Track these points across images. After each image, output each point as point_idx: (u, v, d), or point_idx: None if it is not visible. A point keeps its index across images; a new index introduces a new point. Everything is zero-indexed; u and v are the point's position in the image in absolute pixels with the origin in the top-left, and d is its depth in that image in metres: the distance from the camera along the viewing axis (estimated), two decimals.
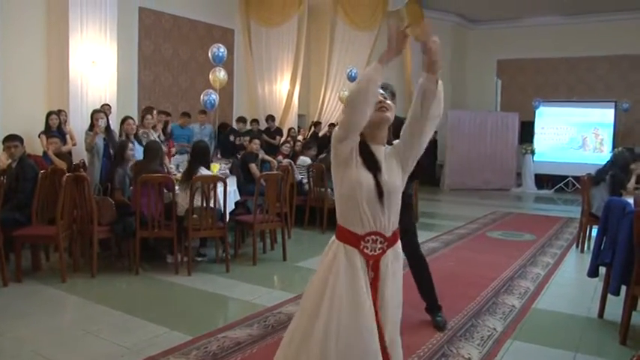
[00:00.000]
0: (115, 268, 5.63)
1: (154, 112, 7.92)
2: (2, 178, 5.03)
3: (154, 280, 5.28)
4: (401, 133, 2.17)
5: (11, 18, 7.97)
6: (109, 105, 8.20)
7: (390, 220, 2.16)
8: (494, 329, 4.05)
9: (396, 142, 2.22)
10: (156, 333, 3.91)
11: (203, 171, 5.65)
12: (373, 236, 2.13)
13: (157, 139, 7.09)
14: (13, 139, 5.45)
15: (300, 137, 10.88)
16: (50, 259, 5.81)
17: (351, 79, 12.39)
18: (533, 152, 14.56)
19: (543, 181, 14.84)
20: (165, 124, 8.65)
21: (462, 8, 15.43)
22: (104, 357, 3.50)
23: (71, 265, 5.45)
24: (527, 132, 15.02)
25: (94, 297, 4.69)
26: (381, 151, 2.17)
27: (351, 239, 2.14)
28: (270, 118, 11.46)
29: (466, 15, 16.12)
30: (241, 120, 10.71)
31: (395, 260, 2.22)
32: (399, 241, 2.25)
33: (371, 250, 2.13)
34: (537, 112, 14.77)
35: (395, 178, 2.15)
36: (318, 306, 2.14)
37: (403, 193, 2.24)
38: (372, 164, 2.12)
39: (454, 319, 4.20)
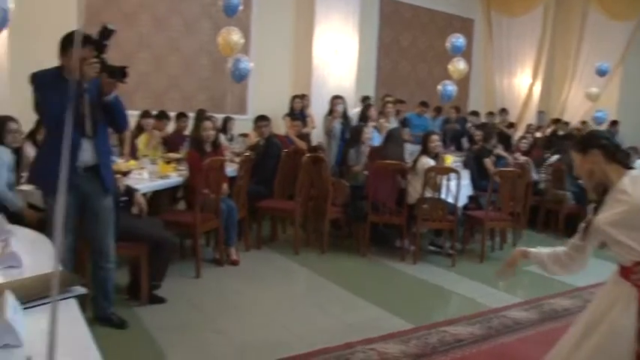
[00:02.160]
0: (344, 247, 5.82)
1: (391, 99, 8.02)
2: (252, 154, 5.54)
3: (379, 264, 5.34)
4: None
5: (265, 10, 8.74)
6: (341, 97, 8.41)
7: None
8: None
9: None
10: (377, 315, 3.95)
11: (423, 159, 5.52)
12: None
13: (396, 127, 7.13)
14: (263, 119, 5.98)
15: (538, 134, 10.11)
16: (286, 232, 6.24)
17: (601, 74, 11.14)
18: None
19: None
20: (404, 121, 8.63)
21: None
22: (326, 330, 3.63)
23: (304, 239, 5.78)
24: None
25: (323, 272, 4.91)
26: (612, 192, 2.06)
27: (622, 271, 2.02)
28: (504, 111, 10.97)
29: None
30: (474, 113, 10.37)
31: None
32: None
33: None
34: None
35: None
36: (582, 336, 2.04)
37: None
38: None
39: None
